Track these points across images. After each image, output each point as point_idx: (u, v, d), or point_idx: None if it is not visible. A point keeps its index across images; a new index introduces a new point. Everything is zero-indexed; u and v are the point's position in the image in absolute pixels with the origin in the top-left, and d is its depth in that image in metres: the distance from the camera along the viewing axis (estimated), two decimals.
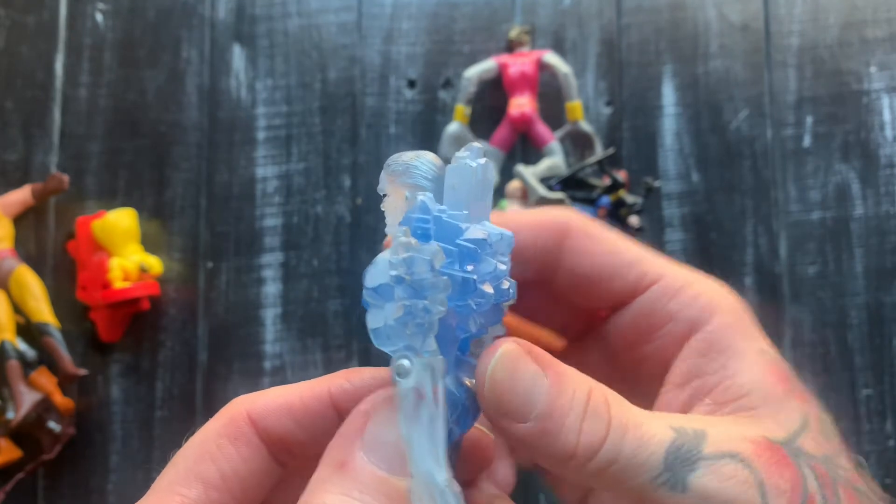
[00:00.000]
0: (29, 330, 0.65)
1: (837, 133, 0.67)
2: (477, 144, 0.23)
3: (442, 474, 0.20)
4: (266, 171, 0.68)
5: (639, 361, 0.26)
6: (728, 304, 0.25)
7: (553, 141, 0.66)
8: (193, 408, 0.66)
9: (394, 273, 0.20)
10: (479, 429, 0.24)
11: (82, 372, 0.65)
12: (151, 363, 0.67)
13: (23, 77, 0.70)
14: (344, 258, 0.67)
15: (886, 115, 0.67)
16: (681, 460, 0.21)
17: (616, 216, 0.63)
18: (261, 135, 0.69)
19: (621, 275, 0.26)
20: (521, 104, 0.66)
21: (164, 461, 0.23)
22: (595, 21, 0.69)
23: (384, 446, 0.21)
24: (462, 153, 0.22)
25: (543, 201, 0.62)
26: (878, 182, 0.66)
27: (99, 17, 0.70)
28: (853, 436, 0.62)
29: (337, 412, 0.24)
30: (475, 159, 0.22)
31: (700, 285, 0.25)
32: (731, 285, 0.26)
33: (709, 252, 0.66)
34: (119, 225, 0.65)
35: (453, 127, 0.67)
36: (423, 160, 0.22)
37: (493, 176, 0.65)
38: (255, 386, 0.65)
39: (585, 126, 0.66)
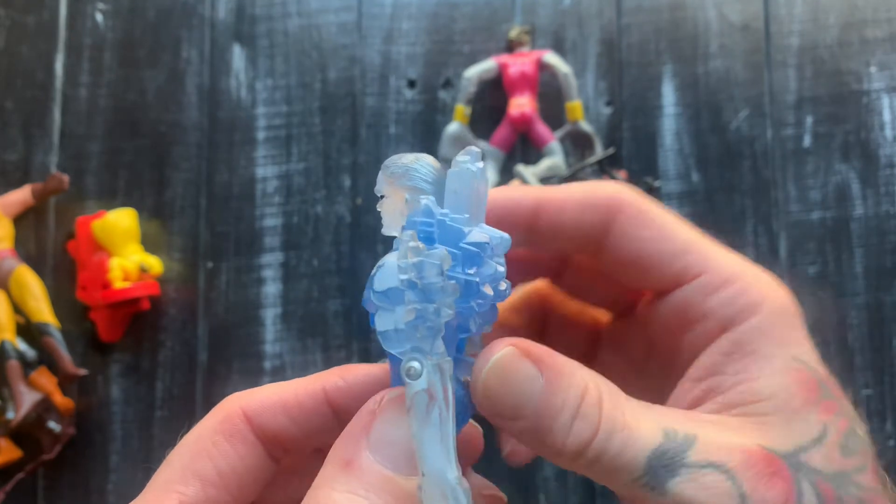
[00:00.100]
0: (29, 330, 0.65)
1: (837, 133, 0.67)
2: (475, 148, 0.23)
3: (453, 473, 0.20)
4: (266, 171, 0.68)
5: (673, 349, 0.26)
6: (772, 306, 0.24)
7: (553, 141, 0.66)
8: (193, 408, 0.66)
9: (404, 277, 0.20)
10: (469, 422, 0.24)
11: (82, 372, 0.65)
12: (151, 363, 0.67)
13: (23, 77, 0.70)
14: (344, 258, 0.67)
15: (886, 115, 0.67)
16: (663, 465, 0.21)
17: None
18: (261, 135, 0.69)
19: (665, 265, 0.25)
20: (521, 104, 0.66)
21: (163, 461, 0.24)
22: (595, 21, 0.69)
23: (390, 446, 0.21)
24: (462, 157, 0.22)
25: None
26: (878, 182, 0.66)
27: (99, 17, 0.70)
28: None
29: (332, 409, 0.24)
30: (475, 163, 0.22)
31: (746, 282, 0.24)
32: None
33: None
34: (119, 225, 0.65)
35: (453, 127, 0.67)
36: (422, 163, 0.22)
37: (491, 177, 0.65)
38: (254, 386, 0.65)
39: (585, 126, 0.66)
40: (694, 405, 0.24)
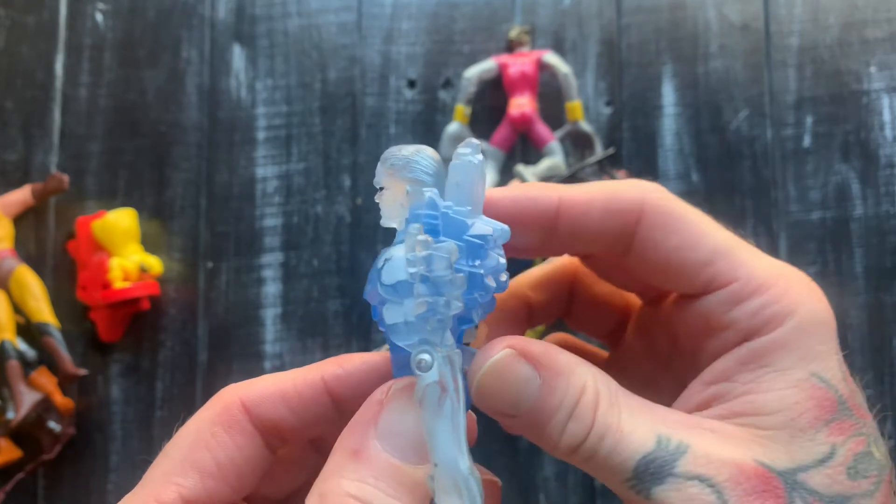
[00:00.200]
0: (29, 330, 0.65)
1: (837, 133, 0.67)
2: (476, 140, 0.23)
3: (465, 462, 0.21)
4: (266, 171, 0.68)
5: (696, 350, 0.26)
6: (801, 317, 0.23)
7: (553, 141, 0.66)
8: (193, 408, 0.65)
9: (413, 270, 0.21)
10: None
11: (82, 372, 0.65)
12: (151, 363, 0.67)
13: (23, 77, 0.70)
14: (344, 258, 0.67)
15: (886, 115, 0.67)
16: (650, 472, 0.21)
17: None
18: (261, 135, 0.69)
19: (693, 275, 0.24)
20: (521, 104, 0.66)
21: (161, 453, 0.23)
22: (595, 21, 0.69)
23: (398, 435, 0.21)
24: (464, 149, 0.23)
25: None
26: (878, 182, 0.66)
27: (99, 17, 0.70)
28: None
29: (330, 398, 0.24)
30: (475, 155, 0.22)
31: (777, 291, 0.23)
32: None
33: None
34: (119, 225, 0.65)
35: (453, 127, 0.67)
36: (423, 155, 0.22)
37: (491, 177, 0.65)
38: None
39: (585, 126, 0.66)
40: (699, 408, 0.24)
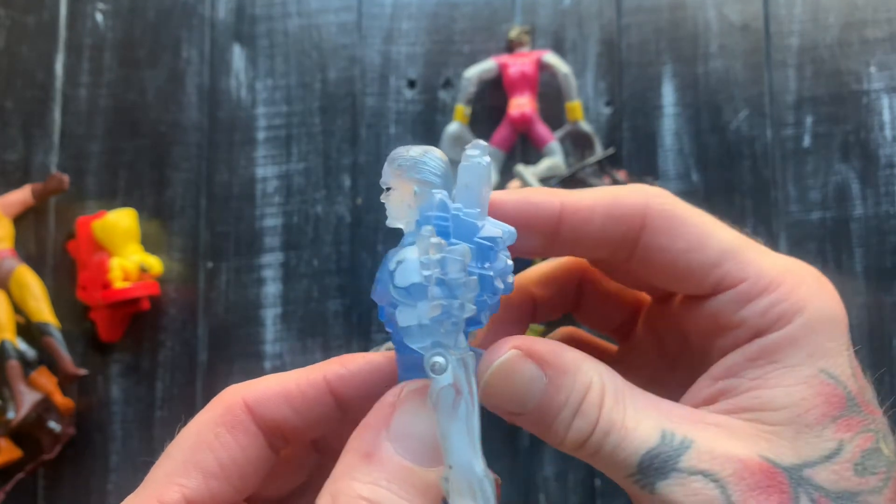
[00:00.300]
0: (29, 330, 0.65)
1: (837, 133, 0.67)
2: (483, 142, 0.23)
3: (480, 465, 0.21)
4: (266, 171, 0.68)
5: (705, 349, 0.26)
6: (811, 314, 0.23)
7: (553, 141, 0.66)
8: (193, 408, 0.65)
9: (427, 273, 0.21)
10: None
11: (82, 372, 0.65)
12: (151, 363, 0.67)
13: (23, 77, 0.70)
14: (344, 258, 0.67)
15: (886, 115, 0.67)
16: (654, 467, 0.21)
17: None
18: (261, 135, 0.69)
19: (701, 277, 0.24)
20: (521, 104, 0.66)
21: (163, 453, 0.23)
22: (595, 21, 0.69)
23: (411, 437, 0.21)
24: (472, 151, 0.22)
25: None
26: (878, 182, 0.66)
27: (99, 17, 0.70)
28: None
29: (334, 398, 0.24)
30: (484, 157, 0.22)
31: (787, 288, 0.23)
32: None
33: None
34: (119, 225, 0.65)
35: (453, 127, 0.67)
36: (431, 156, 0.22)
37: (491, 177, 0.65)
38: None
39: (585, 126, 0.66)
40: (706, 403, 0.24)
